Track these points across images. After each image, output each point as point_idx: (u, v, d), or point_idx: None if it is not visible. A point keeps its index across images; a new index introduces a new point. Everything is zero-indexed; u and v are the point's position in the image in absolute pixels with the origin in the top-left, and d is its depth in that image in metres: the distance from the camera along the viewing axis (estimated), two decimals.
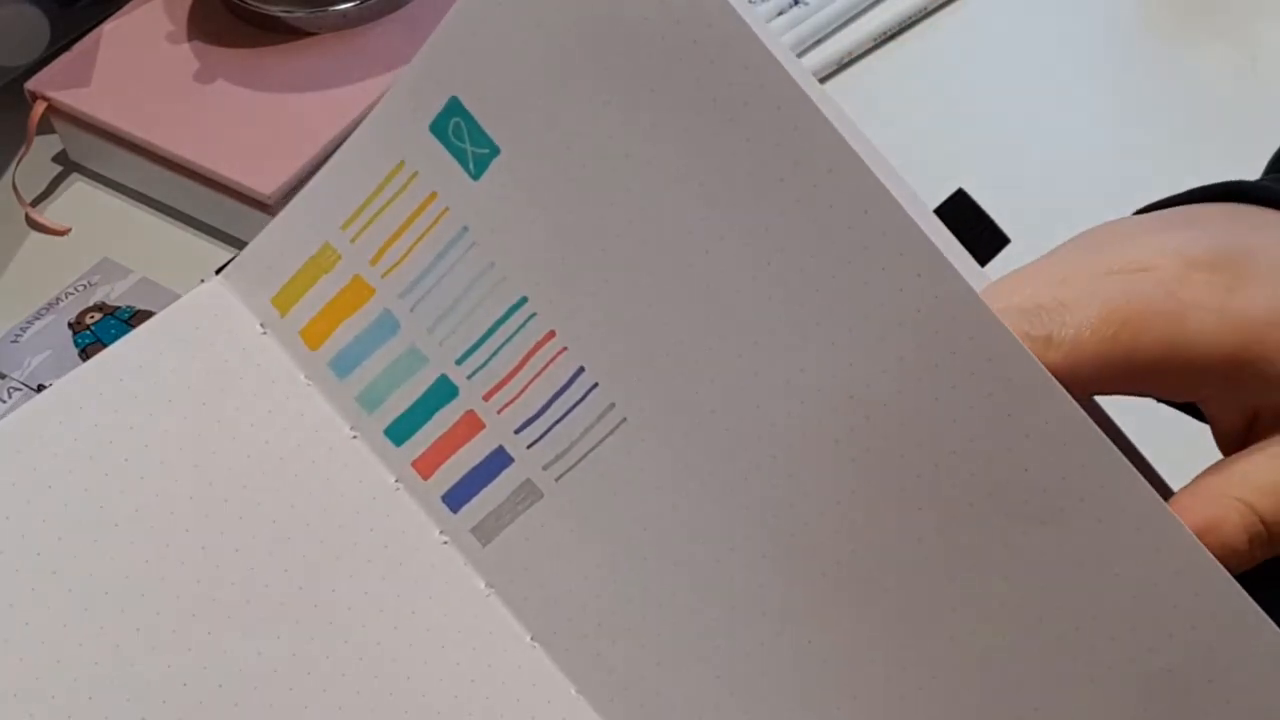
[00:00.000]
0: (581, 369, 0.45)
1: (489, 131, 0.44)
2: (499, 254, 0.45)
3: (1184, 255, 0.41)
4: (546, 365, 0.45)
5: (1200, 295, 0.41)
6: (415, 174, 0.46)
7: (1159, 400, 0.44)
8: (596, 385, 0.44)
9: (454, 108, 0.44)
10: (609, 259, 0.43)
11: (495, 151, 0.44)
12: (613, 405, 0.44)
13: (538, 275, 0.45)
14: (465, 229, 0.45)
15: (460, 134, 0.45)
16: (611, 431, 0.45)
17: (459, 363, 0.46)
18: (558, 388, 0.45)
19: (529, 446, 0.46)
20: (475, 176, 0.45)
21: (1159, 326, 0.40)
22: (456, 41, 0.44)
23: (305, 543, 0.46)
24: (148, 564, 0.45)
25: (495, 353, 0.46)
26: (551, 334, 0.45)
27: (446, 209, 0.45)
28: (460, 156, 0.45)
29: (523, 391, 0.46)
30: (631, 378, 0.44)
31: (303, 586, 0.46)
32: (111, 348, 0.47)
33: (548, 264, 0.44)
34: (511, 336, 0.45)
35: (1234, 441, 0.43)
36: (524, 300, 0.45)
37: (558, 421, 0.45)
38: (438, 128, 0.45)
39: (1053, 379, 0.38)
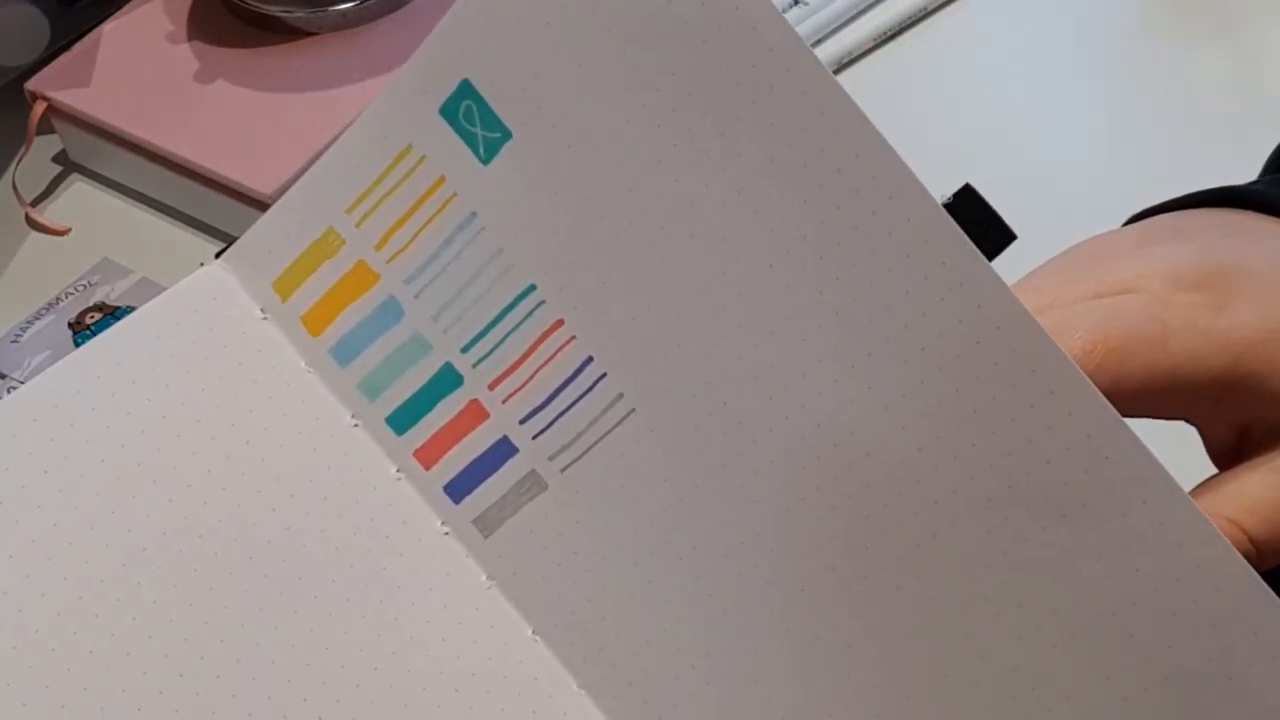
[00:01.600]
0: (590, 358, 0.44)
1: (500, 115, 0.44)
2: (508, 240, 0.45)
3: (1169, 274, 0.41)
4: (554, 354, 0.45)
5: (1186, 316, 0.41)
6: (423, 158, 0.45)
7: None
8: (605, 375, 0.44)
9: (465, 90, 0.44)
10: (621, 246, 0.43)
11: (507, 136, 0.44)
12: (621, 395, 0.44)
13: (547, 262, 0.44)
14: (474, 214, 0.45)
15: (471, 117, 0.44)
16: (619, 422, 0.44)
17: (464, 351, 0.46)
18: (565, 377, 0.45)
19: (534, 437, 0.46)
20: (485, 161, 0.44)
21: (1144, 353, 0.40)
22: (469, 24, 0.44)
23: (305, 532, 0.46)
24: (144, 552, 0.44)
25: (502, 341, 0.46)
26: (560, 322, 0.44)
27: (455, 194, 0.45)
28: (470, 140, 0.45)
29: (529, 380, 0.45)
30: (641, 368, 0.44)
31: (301, 576, 0.45)
32: (108, 332, 0.46)
33: (557, 251, 0.44)
34: (519, 324, 0.45)
35: (1226, 456, 0.43)
36: (532, 288, 0.45)
37: (564, 411, 0.45)
38: (448, 111, 0.45)
39: (1079, 370, 0.38)
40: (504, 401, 0.46)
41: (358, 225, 0.47)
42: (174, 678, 0.43)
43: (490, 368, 0.46)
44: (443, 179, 0.45)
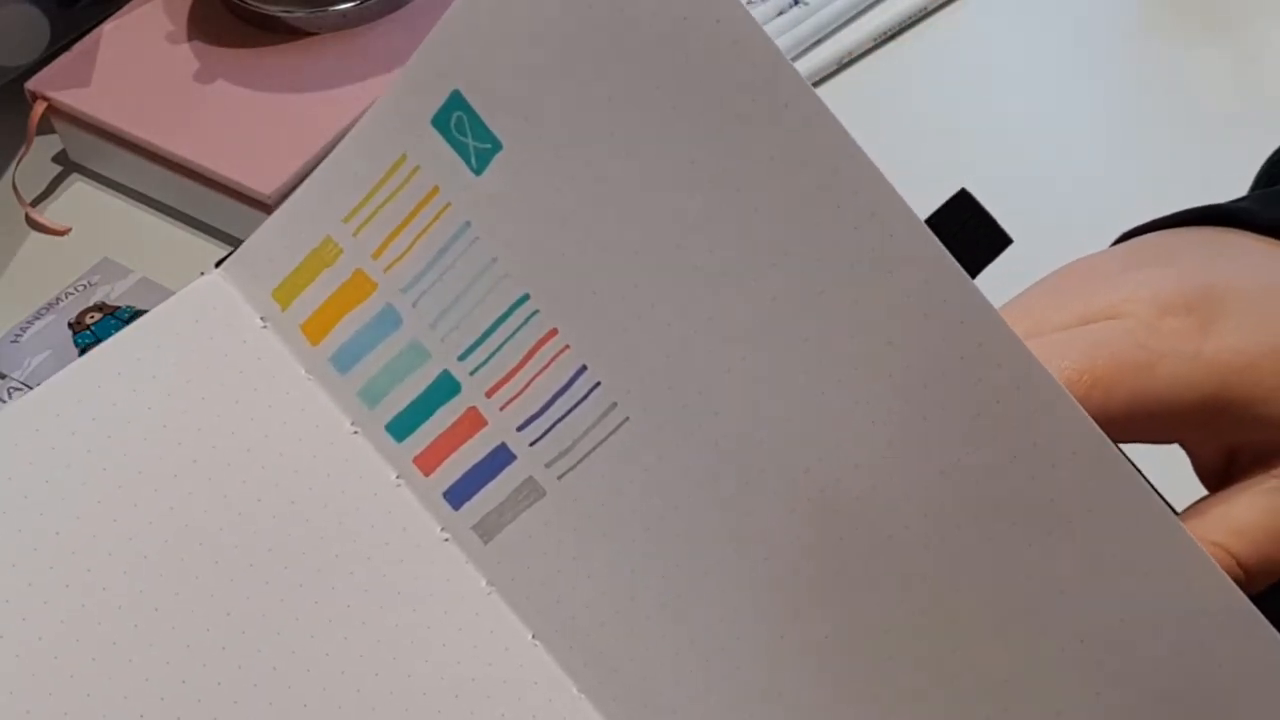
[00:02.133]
0: (584, 367, 0.44)
1: (491, 126, 0.44)
2: (501, 250, 0.45)
3: (1155, 298, 0.41)
4: (549, 363, 0.45)
5: (1172, 342, 0.41)
6: (417, 168, 0.45)
7: None
8: (599, 384, 0.44)
9: (456, 101, 0.44)
10: (612, 257, 0.43)
11: (497, 147, 0.44)
12: (615, 405, 0.44)
13: (540, 272, 0.44)
14: (467, 224, 0.45)
15: (462, 128, 0.44)
16: (613, 431, 0.44)
17: (461, 359, 0.46)
18: (560, 386, 0.45)
19: (531, 444, 0.46)
20: (477, 172, 0.44)
21: (1130, 382, 0.40)
22: (459, 34, 0.44)
23: (305, 539, 0.46)
24: (146, 560, 0.44)
25: (497, 349, 0.46)
26: (554, 332, 0.44)
27: (449, 204, 0.45)
28: (462, 151, 0.45)
29: (525, 389, 0.45)
30: (634, 377, 0.44)
31: (302, 583, 0.45)
32: (108, 341, 0.46)
33: (550, 261, 0.44)
34: (514, 333, 0.45)
35: (1215, 477, 0.43)
36: (526, 297, 0.45)
37: (560, 420, 0.45)
38: (439, 121, 0.45)
39: (1064, 389, 0.38)
40: (501, 409, 0.46)
41: (355, 234, 0.47)
42: (176, 684, 0.43)
43: (487, 375, 0.46)
44: (436, 189, 0.45)
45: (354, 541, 0.46)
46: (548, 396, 0.45)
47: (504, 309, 0.45)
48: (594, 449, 0.45)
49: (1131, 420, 0.41)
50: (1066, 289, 0.43)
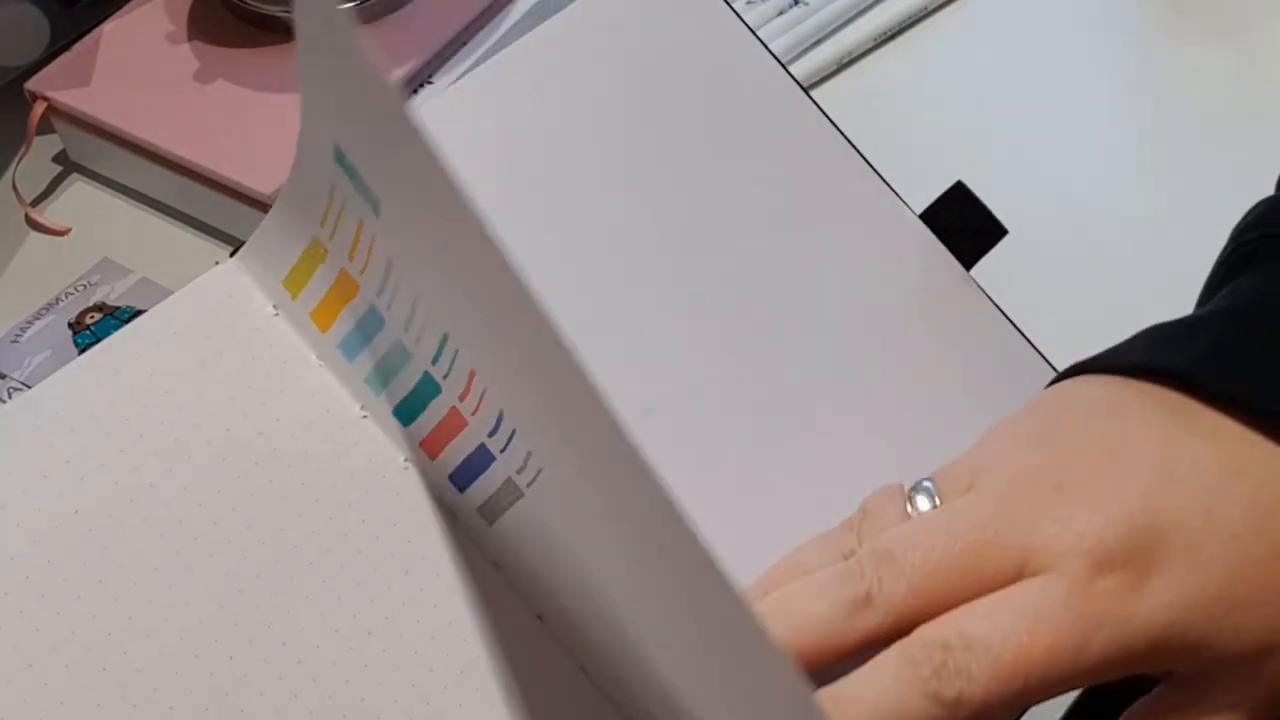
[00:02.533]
0: (502, 413, 0.44)
1: (364, 178, 0.43)
2: (419, 290, 0.44)
3: (1091, 551, 0.41)
4: (480, 400, 0.44)
5: (1107, 605, 0.40)
6: (345, 200, 0.45)
7: None
8: (516, 431, 0.43)
9: (339, 153, 0.43)
10: (484, 310, 0.40)
11: (377, 198, 0.43)
12: (530, 454, 0.43)
13: (450, 317, 0.43)
14: (390, 261, 0.44)
15: (354, 175, 0.43)
16: (534, 480, 0.44)
17: (433, 363, 0.46)
18: (494, 421, 0.44)
19: (501, 451, 0.45)
20: (378, 216, 0.43)
21: (1064, 663, 0.40)
22: (318, 91, 0.42)
23: (315, 519, 0.46)
24: (161, 538, 0.45)
25: (450, 367, 0.45)
26: (474, 373, 0.44)
27: (374, 238, 0.44)
28: (363, 195, 0.43)
29: (479, 406, 0.45)
30: (539, 432, 0.42)
31: (312, 562, 0.46)
32: (127, 326, 0.47)
33: (453, 308, 0.43)
34: (453, 362, 0.44)
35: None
36: (447, 337, 0.44)
37: (507, 443, 0.45)
38: (340, 163, 0.44)
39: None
40: (473, 414, 0.46)
41: (330, 239, 0.46)
42: (189, 658, 0.43)
43: (454, 383, 0.45)
44: (362, 223, 0.45)
45: (362, 522, 0.46)
46: (493, 422, 0.44)
47: (437, 343, 0.44)
48: (533, 480, 0.44)
49: (1066, 686, 0.41)
50: (986, 529, 0.42)
